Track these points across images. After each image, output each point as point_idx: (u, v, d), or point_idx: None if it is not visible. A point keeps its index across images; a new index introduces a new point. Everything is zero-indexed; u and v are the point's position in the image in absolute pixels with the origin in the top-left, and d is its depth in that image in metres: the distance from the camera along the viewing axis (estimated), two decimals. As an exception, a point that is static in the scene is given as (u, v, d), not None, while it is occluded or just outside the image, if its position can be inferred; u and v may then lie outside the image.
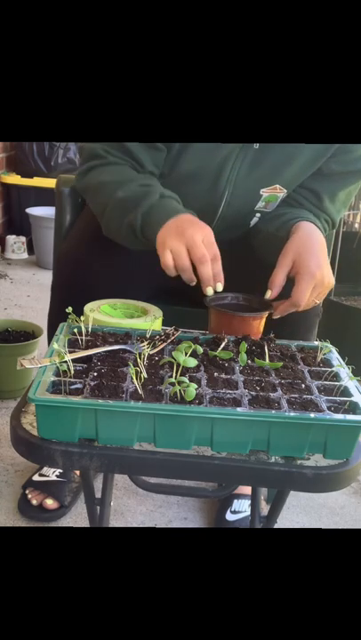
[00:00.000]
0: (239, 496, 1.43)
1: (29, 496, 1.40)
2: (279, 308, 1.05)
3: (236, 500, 1.43)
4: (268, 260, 1.09)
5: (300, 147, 1.16)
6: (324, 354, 0.95)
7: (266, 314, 1.05)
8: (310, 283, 1.01)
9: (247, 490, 1.41)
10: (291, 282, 1.05)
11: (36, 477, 1.44)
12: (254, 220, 1.27)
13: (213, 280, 1.00)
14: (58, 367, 0.81)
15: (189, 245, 0.99)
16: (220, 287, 1.02)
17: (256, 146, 1.16)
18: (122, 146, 1.16)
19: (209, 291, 1.01)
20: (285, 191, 1.22)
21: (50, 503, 1.38)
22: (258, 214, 1.25)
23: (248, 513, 1.39)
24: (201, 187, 1.15)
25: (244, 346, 0.90)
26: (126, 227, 1.10)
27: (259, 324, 1.05)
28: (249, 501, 1.40)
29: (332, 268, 1.10)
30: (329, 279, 1.04)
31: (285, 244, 1.07)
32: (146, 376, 0.82)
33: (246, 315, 1.03)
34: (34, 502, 1.38)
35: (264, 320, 1.05)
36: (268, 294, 1.05)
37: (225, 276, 1.02)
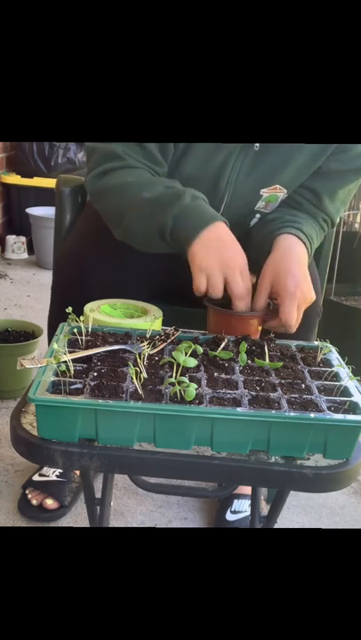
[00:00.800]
0: (239, 496, 1.43)
1: (29, 496, 1.40)
2: (269, 325, 1.06)
3: (236, 500, 1.43)
4: (262, 265, 1.10)
5: (299, 147, 1.17)
6: (324, 354, 0.95)
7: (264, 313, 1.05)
8: (293, 303, 1.02)
9: (247, 490, 1.41)
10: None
11: (36, 477, 1.44)
12: (254, 220, 1.27)
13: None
14: (57, 367, 0.81)
15: (229, 279, 1.02)
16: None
17: (256, 147, 1.16)
18: (140, 146, 1.13)
19: None
20: (286, 191, 1.22)
21: (50, 503, 1.38)
22: (258, 215, 1.26)
23: (248, 513, 1.39)
24: (201, 189, 1.15)
25: (244, 346, 0.90)
26: (154, 228, 1.08)
27: (257, 323, 1.05)
28: (249, 501, 1.40)
29: (332, 268, 1.10)
30: (310, 295, 1.05)
31: (263, 266, 1.08)
32: (146, 376, 0.82)
33: (246, 314, 1.04)
34: (34, 502, 1.38)
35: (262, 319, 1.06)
36: None
37: None
